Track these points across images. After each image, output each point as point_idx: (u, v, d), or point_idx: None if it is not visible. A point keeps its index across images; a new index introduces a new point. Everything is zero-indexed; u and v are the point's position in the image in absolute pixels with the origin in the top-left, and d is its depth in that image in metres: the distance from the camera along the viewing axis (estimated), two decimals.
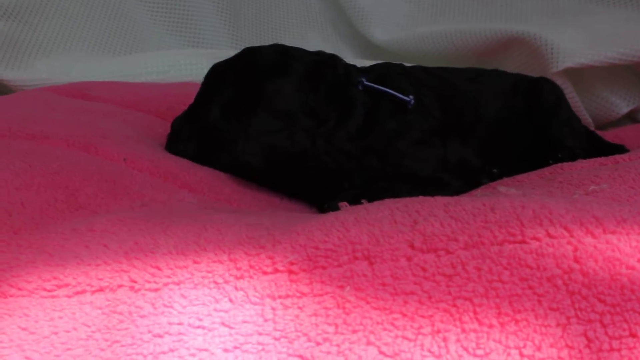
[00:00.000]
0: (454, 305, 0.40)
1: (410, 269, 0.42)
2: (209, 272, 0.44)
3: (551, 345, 0.38)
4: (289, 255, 0.44)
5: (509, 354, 0.38)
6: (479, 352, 0.38)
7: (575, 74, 1.38)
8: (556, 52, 1.34)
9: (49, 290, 0.44)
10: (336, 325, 0.40)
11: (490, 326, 0.39)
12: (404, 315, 0.40)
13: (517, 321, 0.39)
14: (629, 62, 1.35)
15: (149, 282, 0.44)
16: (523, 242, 0.42)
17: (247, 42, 1.71)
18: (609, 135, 1.19)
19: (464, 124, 0.94)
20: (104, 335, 0.41)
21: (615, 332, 0.38)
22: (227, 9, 1.72)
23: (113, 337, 0.41)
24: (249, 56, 0.87)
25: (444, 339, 0.39)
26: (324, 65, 0.86)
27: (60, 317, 0.43)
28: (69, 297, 0.44)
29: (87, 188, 0.65)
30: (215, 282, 0.43)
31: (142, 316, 0.42)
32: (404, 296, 0.41)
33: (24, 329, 0.42)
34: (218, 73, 0.88)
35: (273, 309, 0.41)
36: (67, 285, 0.44)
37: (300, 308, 0.41)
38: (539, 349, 0.38)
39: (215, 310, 0.42)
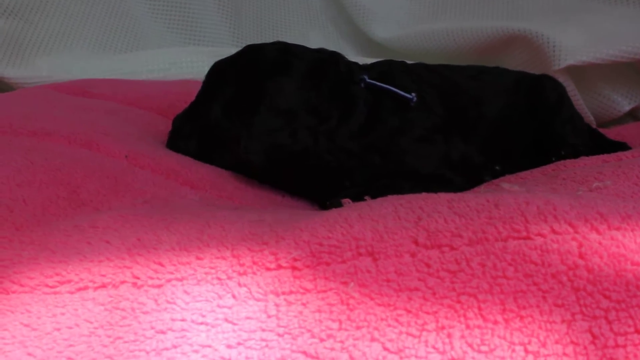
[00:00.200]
0: (459, 302, 0.40)
1: (414, 265, 0.42)
2: (212, 268, 0.43)
3: (556, 342, 0.38)
4: (292, 252, 0.43)
5: (513, 350, 0.38)
6: (483, 348, 0.38)
7: (577, 71, 1.38)
8: (558, 50, 1.34)
9: (51, 287, 0.44)
10: (340, 322, 0.40)
11: (495, 322, 0.39)
12: (408, 311, 0.40)
13: (522, 317, 0.39)
14: (631, 59, 1.34)
15: (151, 278, 0.44)
16: (527, 238, 0.42)
17: (249, 39, 1.71)
18: (611, 133, 1.19)
19: (466, 122, 0.94)
20: (106, 331, 0.41)
21: (621, 329, 0.38)
22: (228, 7, 1.72)
23: (116, 334, 0.41)
24: (251, 54, 0.87)
25: (449, 335, 0.38)
26: (326, 62, 0.86)
27: (63, 314, 0.42)
28: (72, 293, 0.44)
29: (89, 185, 0.65)
30: (219, 278, 0.43)
31: (145, 312, 0.42)
32: (408, 292, 0.41)
33: (26, 326, 0.42)
34: (219, 71, 0.88)
35: (276, 305, 0.41)
36: (69, 281, 0.44)
37: (304, 304, 0.41)
38: (544, 345, 0.38)
39: (218, 306, 0.41)
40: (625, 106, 1.45)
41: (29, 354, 0.41)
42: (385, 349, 0.38)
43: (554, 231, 0.42)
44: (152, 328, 0.41)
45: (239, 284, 0.42)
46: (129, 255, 0.46)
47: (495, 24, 1.50)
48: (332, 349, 0.39)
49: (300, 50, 0.87)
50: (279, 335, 0.40)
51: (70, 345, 0.41)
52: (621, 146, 1.04)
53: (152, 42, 1.62)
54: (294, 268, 0.43)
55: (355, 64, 0.91)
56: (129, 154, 0.75)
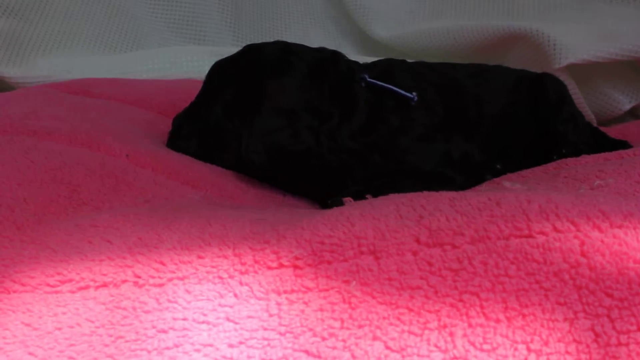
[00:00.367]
0: (461, 300, 0.40)
1: (417, 263, 0.42)
2: (213, 267, 0.43)
3: (559, 340, 0.38)
4: (294, 250, 0.43)
5: (516, 349, 0.38)
6: (486, 346, 0.38)
7: (578, 70, 1.37)
8: (558, 48, 1.34)
9: (52, 286, 0.44)
10: (342, 320, 0.40)
11: (497, 321, 0.39)
12: (411, 310, 0.40)
13: (524, 316, 0.39)
14: (632, 58, 1.34)
15: (153, 277, 0.44)
16: (530, 236, 0.42)
17: (249, 38, 1.71)
18: (613, 132, 1.19)
19: (467, 120, 0.94)
20: (108, 330, 0.41)
21: (623, 327, 0.38)
22: (229, 6, 1.72)
23: (117, 333, 0.41)
24: (251, 53, 0.86)
25: (451, 334, 0.38)
26: (327, 62, 0.86)
27: (64, 313, 0.42)
28: (73, 292, 0.44)
29: (90, 184, 0.65)
30: (220, 277, 0.43)
31: (147, 311, 0.42)
32: (410, 291, 0.40)
33: (27, 325, 0.42)
34: (220, 71, 0.88)
35: (278, 304, 0.41)
36: (70, 280, 0.44)
37: (305, 303, 0.41)
38: (546, 343, 0.38)
39: (220, 305, 0.41)
40: (626, 104, 1.45)
41: (30, 354, 0.41)
42: (388, 347, 0.38)
43: (556, 229, 0.42)
44: (154, 327, 0.41)
45: (241, 283, 0.42)
46: (130, 254, 0.46)
47: (495, 23, 1.50)
48: (334, 348, 0.39)
49: (301, 49, 0.87)
50: (280, 334, 0.40)
51: (72, 345, 0.41)
52: (622, 144, 1.04)
53: (153, 41, 1.62)
54: (295, 267, 0.43)
55: (356, 63, 0.91)
56: (130, 153, 0.75)
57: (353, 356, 0.38)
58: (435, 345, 0.38)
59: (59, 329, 0.42)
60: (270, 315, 0.40)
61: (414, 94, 0.86)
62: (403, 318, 0.39)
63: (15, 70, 1.39)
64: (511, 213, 0.44)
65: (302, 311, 0.40)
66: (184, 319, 0.41)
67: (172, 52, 1.50)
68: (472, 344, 0.38)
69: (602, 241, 0.41)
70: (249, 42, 0.90)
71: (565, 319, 0.38)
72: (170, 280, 0.43)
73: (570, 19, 1.47)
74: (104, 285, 0.44)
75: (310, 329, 0.40)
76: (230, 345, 0.40)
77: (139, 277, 0.44)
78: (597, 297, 0.39)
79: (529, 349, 0.38)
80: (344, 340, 0.39)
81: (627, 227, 0.42)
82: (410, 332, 0.39)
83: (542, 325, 0.38)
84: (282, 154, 0.78)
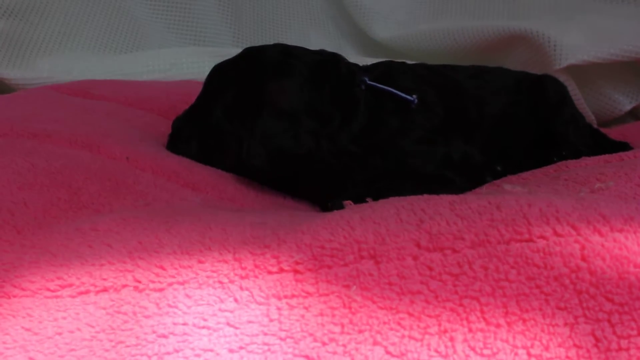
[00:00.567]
0: (461, 305, 0.40)
1: (417, 268, 0.42)
2: (213, 271, 0.43)
3: (559, 345, 0.38)
4: (294, 255, 0.43)
5: (516, 354, 0.38)
6: (486, 351, 0.38)
7: (578, 71, 1.37)
8: (559, 49, 1.34)
9: (52, 291, 0.44)
10: (342, 325, 0.40)
11: (498, 326, 0.39)
12: (411, 314, 0.40)
13: (524, 320, 0.39)
14: (632, 59, 1.34)
15: (153, 282, 0.44)
16: (530, 240, 0.42)
17: (249, 39, 1.71)
18: (614, 133, 1.18)
19: (468, 122, 0.94)
20: (108, 335, 0.41)
21: (624, 332, 0.38)
22: (229, 7, 1.71)
23: (117, 338, 0.41)
24: (252, 56, 0.86)
25: (451, 339, 0.38)
26: (327, 65, 0.86)
27: (64, 318, 0.42)
28: (73, 297, 0.44)
29: (90, 187, 0.65)
30: (220, 282, 0.43)
31: (147, 316, 0.42)
32: (411, 295, 0.40)
33: (27, 330, 0.42)
34: (220, 73, 0.88)
35: (278, 308, 0.41)
36: (70, 285, 0.44)
37: (306, 308, 0.41)
38: (546, 348, 0.38)
39: (220, 310, 0.41)
40: (627, 105, 1.45)
41: (30, 358, 0.41)
42: (388, 352, 0.38)
43: (556, 233, 0.42)
44: (154, 332, 0.41)
45: (241, 288, 0.42)
46: (130, 259, 0.46)
47: (496, 24, 1.49)
48: (335, 353, 0.39)
49: (301, 52, 0.87)
50: (281, 339, 0.40)
51: (72, 350, 0.41)
52: (623, 146, 1.04)
53: (153, 42, 1.61)
54: (295, 271, 0.43)
55: (356, 65, 0.91)
56: (130, 156, 0.75)
57: None
58: (436, 350, 0.38)
59: (60, 333, 0.42)
60: (271, 320, 0.40)
61: (414, 96, 0.86)
62: (403, 323, 0.39)
63: (15, 72, 1.39)
64: (512, 217, 0.44)
65: (303, 316, 0.40)
66: (184, 324, 0.41)
67: (172, 53, 1.50)
68: (473, 348, 0.38)
69: (603, 245, 0.41)
70: (249, 43, 0.90)
71: (565, 324, 0.38)
72: (170, 284, 0.43)
73: (571, 20, 1.47)
74: (104, 289, 0.44)
75: (311, 334, 0.40)
76: (231, 351, 0.40)
77: (139, 281, 0.44)
78: (597, 301, 0.39)
79: (529, 354, 0.38)
80: (344, 345, 0.39)
81: (627, 231, 0.42)
82: (410, 337, 0.39)
83: (543, 330, 0.38)
84: (283, 157, 0.78)
